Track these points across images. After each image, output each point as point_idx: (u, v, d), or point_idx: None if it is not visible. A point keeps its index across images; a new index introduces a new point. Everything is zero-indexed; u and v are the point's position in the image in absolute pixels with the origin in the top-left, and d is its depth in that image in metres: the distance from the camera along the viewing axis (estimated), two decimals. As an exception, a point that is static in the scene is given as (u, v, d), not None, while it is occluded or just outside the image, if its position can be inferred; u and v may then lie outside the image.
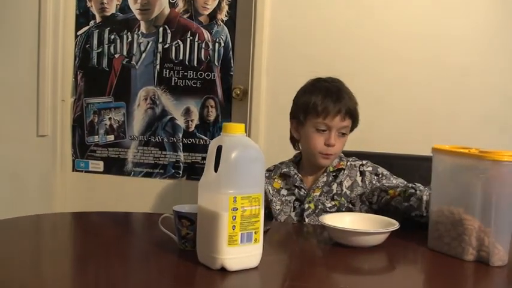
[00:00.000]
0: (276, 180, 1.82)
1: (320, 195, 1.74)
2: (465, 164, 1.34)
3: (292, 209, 1.77)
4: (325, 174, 1.76)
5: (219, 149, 1.20)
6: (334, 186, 1.74)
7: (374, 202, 1.69)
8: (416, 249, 1.46)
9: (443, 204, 1.39)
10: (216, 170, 1.19)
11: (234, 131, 1.21)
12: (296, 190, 1.78)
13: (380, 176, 1.75)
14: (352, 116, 1.73)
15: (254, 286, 1.18)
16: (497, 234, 1.29)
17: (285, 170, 1.81)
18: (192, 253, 1.25)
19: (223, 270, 1.18)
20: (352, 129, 1.77)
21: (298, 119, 1.77)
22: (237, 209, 1.17)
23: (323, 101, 1.69)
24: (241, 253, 1.18)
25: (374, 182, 1.74)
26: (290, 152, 1.89)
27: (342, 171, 1.77)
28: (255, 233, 1.20)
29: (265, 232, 1.51)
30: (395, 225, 1.43)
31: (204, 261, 1.22)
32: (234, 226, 1.17)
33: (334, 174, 1.77)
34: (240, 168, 1.18)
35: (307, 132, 1.74)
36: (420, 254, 1.44)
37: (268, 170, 1.84)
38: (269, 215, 1.73)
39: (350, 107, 1.72)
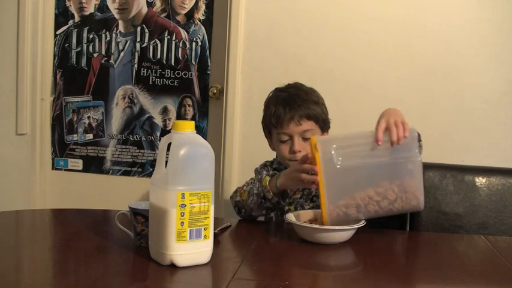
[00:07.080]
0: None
1: (300, 198, 1.74)
2: None
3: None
4: None
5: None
6: (314, 188, 1.74)
7: None
8: (382, 246, 1.46)
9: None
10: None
11: (183, 128, 1.22)
12: None
13: None
14: (312, 118, 1.69)
15: (202, 282, 1.19)
16: None
17: (275, 165, 1.83)
18: (147, 249, 1.27)
19: (173, 266, 1.19)
20: (325, 130, 1.76)
21: (266, 134, 1.80)
22: (186, 206, 1.18)
23: (274, 111, 1.70)
24: (190, 249, 1.20)
25: None
26: (265, 151, 1.89)
27: None
28: (205, 229, 1.21)
29: (225, 229, 1.53)
30: (361, 222, 1.43)
31: (155, 257, 1.23)
32: (183, 222, 1.18)
33: None
34: (189, 164, 1.19)
35: (275, 144, 1.76)
36: (386, 250, 1.44)
37: (265, 165, 1.84)
38: None
39: (305, 111, 1.68)
